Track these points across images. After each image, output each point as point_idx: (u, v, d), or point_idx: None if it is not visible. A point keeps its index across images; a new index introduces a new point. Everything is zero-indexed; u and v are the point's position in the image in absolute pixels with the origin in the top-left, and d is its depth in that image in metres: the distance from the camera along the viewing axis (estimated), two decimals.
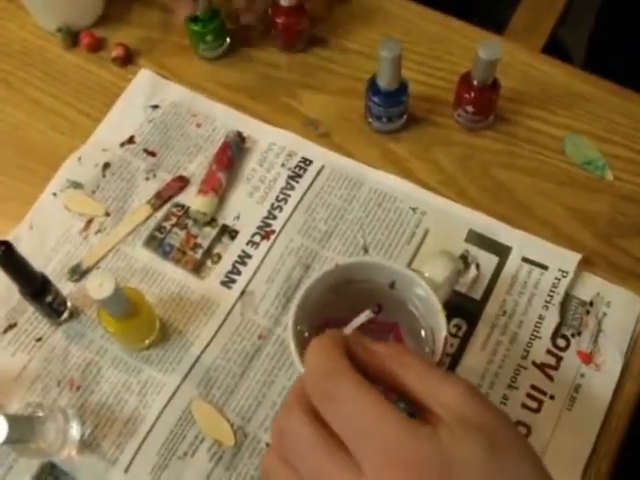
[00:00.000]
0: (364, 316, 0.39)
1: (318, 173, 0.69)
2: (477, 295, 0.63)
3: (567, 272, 0.63)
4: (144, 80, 0.75)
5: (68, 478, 0.57)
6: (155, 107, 0.73)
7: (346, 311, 0.52)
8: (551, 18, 0.96)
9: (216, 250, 0.66)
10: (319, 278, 0.51)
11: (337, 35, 0.77)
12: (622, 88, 0.73)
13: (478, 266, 0.64)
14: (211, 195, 0.66)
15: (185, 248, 0.66)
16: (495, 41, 0.64)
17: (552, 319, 0.61)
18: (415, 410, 0.32)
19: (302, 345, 0.49)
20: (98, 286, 0.52)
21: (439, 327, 0.49)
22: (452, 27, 0.78)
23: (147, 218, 0.67)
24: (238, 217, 0.67)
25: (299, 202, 0.67)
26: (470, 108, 0.68)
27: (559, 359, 0.60)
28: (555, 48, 0.88)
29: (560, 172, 0.69)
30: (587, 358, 0.60)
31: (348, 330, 0.38)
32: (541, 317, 0.61)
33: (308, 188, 0.68)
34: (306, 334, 0.51)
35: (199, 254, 0.65)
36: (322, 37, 0.77)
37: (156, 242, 0.66)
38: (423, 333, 0.51)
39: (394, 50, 0.62)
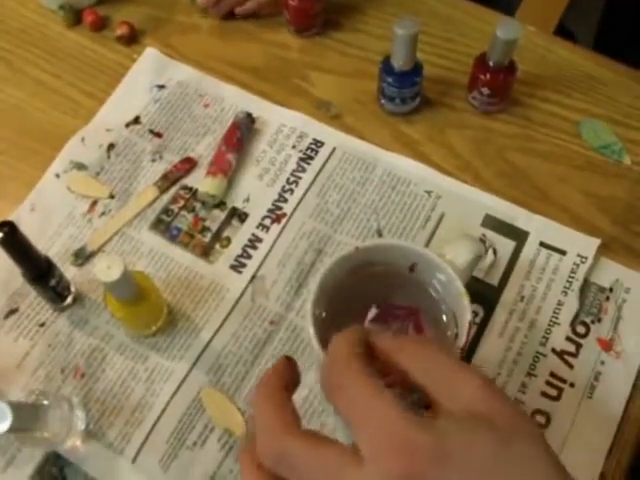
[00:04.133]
0: None
1: (330, 155, 0.67)
2: (494, 281, 0.61)
3: (586, 257, 0.61)
4: (150, 59, 0.73)
5: (73, 468, 0.55)
6: (161, 87, 0.71)
7: (363, 295, 0.51)
8: (560, 3, 0.94)
9: (225, 233, 0.64)
10: (338, 260, 0.50)
11: (348, 16, 0.76)
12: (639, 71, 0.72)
13: (495, 251, 0.62)
14: (220, 177, 0.64)
15: (193, 231, 0.64)
16: (513, 21, 0.62)
17: (571, 305, 0.60)
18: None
19: (320, 327, 0.47)
20: (106, 269, 0.50)
21: (462, 311, 0.47)
22: (464, 9, 0.76)
23: (153, 200, 0.65)
24: (248, 200, 0.65)
25: (311, 185, 0.65)
26: (486, 90, 0.66)
27: (579, 346, 0.59)
28: (561, 34, 0.86)
29: (576, 156, 0.67)
30: (607, 345, 0.59)
31: None
32: (560, 303, 0.60)
33: (320, 170, 0.66)
34: (323, 314, 0.49)
35: (208, 237, 0.63)
36: (333, 18, 0.75)
37: (163, 225, 0.64)
38: (444, 318, 0.50)
39: (411, 28, 0.60)
